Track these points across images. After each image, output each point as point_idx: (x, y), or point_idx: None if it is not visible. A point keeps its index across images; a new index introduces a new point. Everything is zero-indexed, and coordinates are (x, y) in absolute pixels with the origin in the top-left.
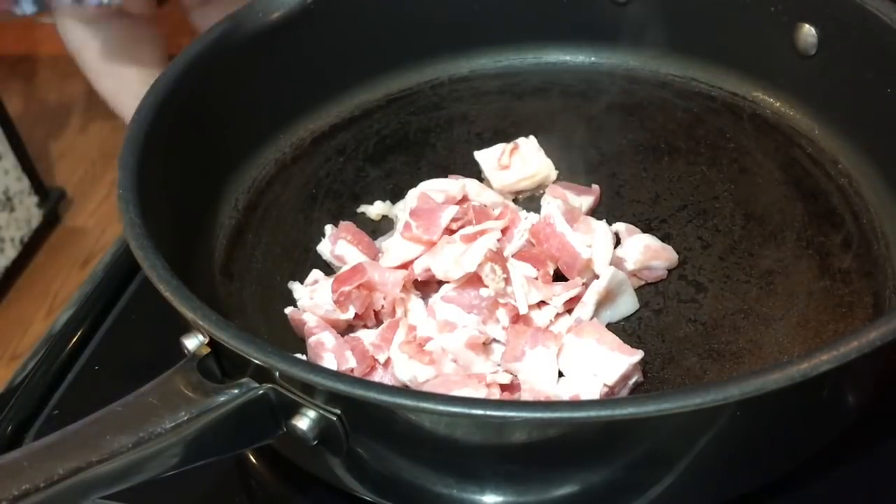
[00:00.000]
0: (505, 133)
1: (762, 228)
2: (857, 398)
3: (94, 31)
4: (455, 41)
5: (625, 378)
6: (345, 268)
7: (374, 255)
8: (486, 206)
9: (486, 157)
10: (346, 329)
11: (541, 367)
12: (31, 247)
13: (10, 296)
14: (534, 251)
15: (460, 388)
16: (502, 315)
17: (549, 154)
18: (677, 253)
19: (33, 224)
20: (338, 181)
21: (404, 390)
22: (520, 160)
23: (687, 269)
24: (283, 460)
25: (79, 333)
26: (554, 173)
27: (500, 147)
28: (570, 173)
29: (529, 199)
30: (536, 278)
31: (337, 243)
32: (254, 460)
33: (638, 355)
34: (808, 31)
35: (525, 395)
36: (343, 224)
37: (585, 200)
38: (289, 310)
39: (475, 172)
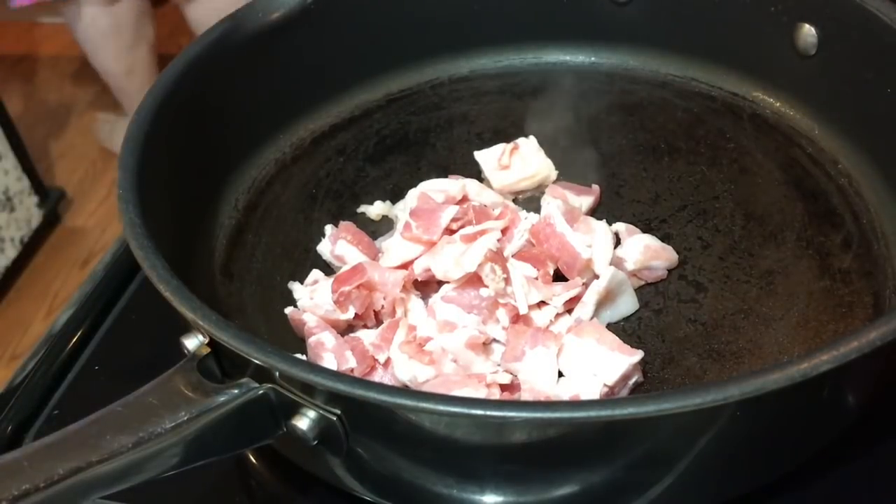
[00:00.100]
0: (505, 133)
1: (762, 228)
2: (857, 398)
3: (105, 10)
4: (455, 41)
5: (625, 378)
6: (345, 268)
7: (374, 255)
8: (486, 206)
9: (486, 157)
10: (346, 329)
11: (541, 367)
12: (31, 247)
13: (10, 296)
14: (534, 251)
15: (460, 388)
16: (502, 315)
17: (549, 154)
18: (677, 253)
19: (33, 224)
20: (338, 181)
21: (404, 390)
22: (520, 160)
23: (687, 269)
24: (283, 460)
25: (79, 333)
26: (554, 173)
27: (500, 147)
28: (570, 173)
29: (529, 199)
30: (536, 278)
31: (337, 243)
32: (254, 460)
33: (638, 355)
34: (808, 31)
35: (525, 395)
36: (343, 224)
37: (585, 200)
38: (289, 310)
39: (475, 172)
